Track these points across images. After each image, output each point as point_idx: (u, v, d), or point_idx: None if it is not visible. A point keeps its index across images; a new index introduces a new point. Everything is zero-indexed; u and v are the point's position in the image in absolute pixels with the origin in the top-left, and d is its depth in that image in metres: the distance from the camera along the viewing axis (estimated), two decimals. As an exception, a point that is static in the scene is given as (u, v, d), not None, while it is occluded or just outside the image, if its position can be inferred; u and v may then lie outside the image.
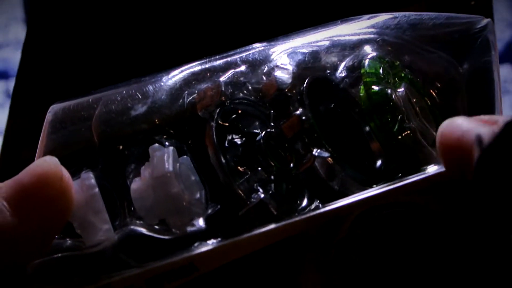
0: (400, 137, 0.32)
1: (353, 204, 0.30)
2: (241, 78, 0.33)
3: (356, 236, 0.29)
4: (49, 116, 0.31)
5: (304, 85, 0.33)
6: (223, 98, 0.32)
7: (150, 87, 0.33)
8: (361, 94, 0.34)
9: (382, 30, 0.36)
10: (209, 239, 0.28)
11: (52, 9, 0.58)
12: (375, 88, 0.33)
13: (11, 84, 1.07)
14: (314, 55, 0.35)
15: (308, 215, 0.29)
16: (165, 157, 0.29)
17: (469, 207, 0.28)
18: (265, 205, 0.29)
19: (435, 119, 0.35)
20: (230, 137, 0.32)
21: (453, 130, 0.28)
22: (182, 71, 0.34)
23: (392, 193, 0.30)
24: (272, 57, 0.35)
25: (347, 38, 0.36)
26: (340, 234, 0.29)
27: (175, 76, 0.33)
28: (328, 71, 0.35)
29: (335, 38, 0.36)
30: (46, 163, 0.28)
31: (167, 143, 0.31)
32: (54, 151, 0.30)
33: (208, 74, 0.34)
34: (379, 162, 0.32)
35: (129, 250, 0.28)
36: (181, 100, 0.32)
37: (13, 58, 1.04)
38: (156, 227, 0.29)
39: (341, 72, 0.35)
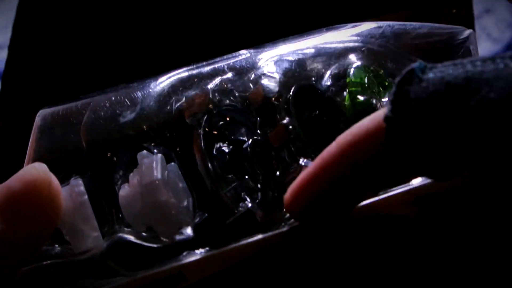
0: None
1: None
2: (229, 86, 0.34)
3: (338, 248, 0.30)
4: (37, 120, 0.31)
5: (291, 94, 0.33)
6: (210, 105, 0.32)
7: (139, 93, 0.33)
8: (346, 103, 0.34)
9: (367, 39, 0.37)
10: (197, 248, 0.29)
11: (39, 14, 0.57)
12: (360, 98, 0.34)
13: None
14: (300, 63, 0.35)
15: (294, 224, 0.29)
16: (153, 164, 0.30)
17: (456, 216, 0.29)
18: (252, 214, 0.30)
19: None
20: (217, 145, 0.32)
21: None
22: (170, 77, 0.34)
23: (376, 205, 0.30)
24: (259, 64, 0.35)
25: (332, 46, 0.37)
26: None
27: (163, 82, 0.34)
28: (313, 79, 0.35)
29: (321, 46, 0.37)
30: (35, 170, 0.28)
31: (155, 150, 0.31)
32: (43, 157, 0.30)
33: (196, 80, 0.34)
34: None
35: (117, 257, 0.29)
36: (169, 107, 0.33)
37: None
38: (144, 234, 0.29)
39: (326, 81, 0.35)
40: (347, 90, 0.34)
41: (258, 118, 0.33)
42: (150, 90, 0.33)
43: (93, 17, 0.56)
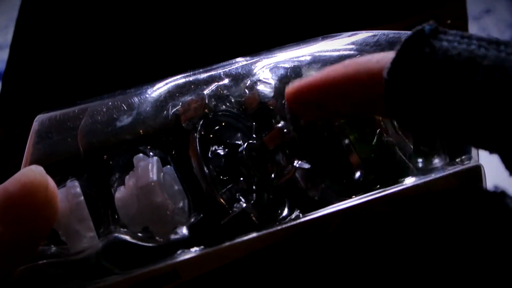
0: (378, 150, 0.33)
1: (333, 214, 0.30)
2: (225, 91, 0.34)
3: (334, 246, 0.30)
4: (35, 125, 0.32)
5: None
6: (206, 110, 0.33)
7: (135, 99, 0.33)
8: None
9: (361, 47, 0.37)
10: (192, 247, 0.29)
11: (41, 15, 0.58)
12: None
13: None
14: (296, 70, 0.36)
15: (288, 224, 0.30)
16: (149, 166, 0.30)
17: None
18: (247, 214, 0.30)
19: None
20: (213, 148, 0.32)
21: None
22: (166, 84, 0.34)
23: (370, 204, 0.30)
24: (254, 71, 0.35)
25: (328, 54, 0.37)
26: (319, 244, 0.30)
27: (160, 88, 0.34)
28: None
29: (316, 54, 0.37)
30: (32, 172, 0.28)
31: (151, 153, 0.32)
32: (40, 160, 0.31)
33: (192, 86, 0.34)
34: (357, 174, 0.33)
35: (113, 257, 0.29)
36: (165, 112, 0.33)
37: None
38: (140, 234, 0.30)
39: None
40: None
41: (254, 123, 0.34)
42: (147, 95, 0.34)
43: (91, 24, 0.56)
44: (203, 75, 0.35)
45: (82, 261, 0.28)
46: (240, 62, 0.36)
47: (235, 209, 0.30)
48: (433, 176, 0.32)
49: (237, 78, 0.35)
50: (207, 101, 0.33)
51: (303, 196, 0.32)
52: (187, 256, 0.28)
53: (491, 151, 0.26)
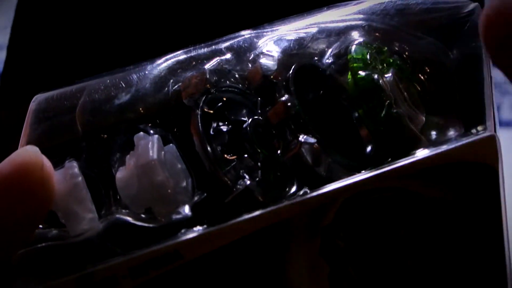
0: (387, 122, 0.32)
1: (341, 189, 0.29)
2: (226, 66, 0.33)
3: (342, 222, 0.29)
4: (32, 105, 0.31)
5: (291, 71, 0.33)
6: (208, 85, 0.32)
7: (134, 76, 0.32)
8: (349, 80, 0.34)
9: (368, 16, 0.36)
10: (195, 226, 0.28)
11: (38, 15, 0.57)
12: (362, 73, 0.33)
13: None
14: (300, 42, 0.35)
15: (294, 200, 0.29)
16: (149, 145, 0.29)
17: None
18: (251, 191, 0.29)
19: (424, 104, 0.35)
20: (215, 125, 0.31)
21: None
22: (166, 60, 0.33)
23: (380, 178, 0.29)
24: (257, 44, 0.34)
25: (333, 24, 0.36)
26: (326, 220, 0.29)
27: (160, 65, 0.33)
28: (314, 57, 0.35)
29: (322, 25, 0.36)
30: (26, 153, 0.27)
31: (152, 132, 0.31)
32: (37, 141, 0.30)
33: (193, 62, 0.33)
34: (367, 148, 0.32)
35: (114, 238, 0.28)
36: (166, 89, 0.32)
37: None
38: (142, 215, 0.29)
39: (327, 59, 0.35)
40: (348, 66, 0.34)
41: (259, 98, 0.33)
42: (147, 72, 0.33)
43: (89, 4, 0.56)
44: (204, 50, 0.34)
45: (82, 243, 0.28)
46: (242, 35, 0.35)
47: (239, 186, 0.29)
48: (445, 147, 0.31)
49: (239, 52, 0.34)
50: (208, 76, 0.32)
51: (310, 172, 0.31)
52: (190, 235, 0.28)
53: None
